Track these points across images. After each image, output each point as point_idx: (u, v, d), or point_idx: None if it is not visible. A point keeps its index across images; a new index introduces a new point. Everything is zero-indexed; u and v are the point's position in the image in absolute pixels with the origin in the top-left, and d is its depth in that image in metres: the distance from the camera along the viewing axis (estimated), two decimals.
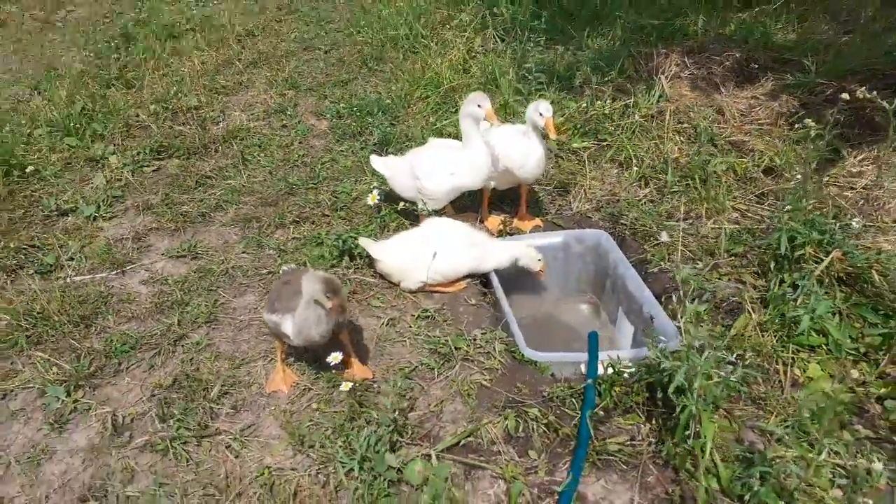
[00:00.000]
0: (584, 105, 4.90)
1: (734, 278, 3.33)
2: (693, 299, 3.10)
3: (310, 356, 3.05)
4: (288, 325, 2.68)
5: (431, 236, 3.40)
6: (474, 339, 3.08)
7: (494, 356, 2.98)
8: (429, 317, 3.29)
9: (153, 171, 4.72)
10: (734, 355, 2.69)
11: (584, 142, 4.55)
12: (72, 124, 5.16)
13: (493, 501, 2.41)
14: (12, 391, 2.99)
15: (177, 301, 3.46)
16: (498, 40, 6.12)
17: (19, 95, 5.83)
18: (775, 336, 2.92)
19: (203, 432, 2.73)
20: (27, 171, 4.65)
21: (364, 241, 3.45)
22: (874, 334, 2.87)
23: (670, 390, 2.33)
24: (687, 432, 2.35)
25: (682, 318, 2.61)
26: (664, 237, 3.63)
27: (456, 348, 3.04)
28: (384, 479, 2.43)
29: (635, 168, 4.21)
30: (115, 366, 3.10)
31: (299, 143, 4.97)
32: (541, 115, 3.48)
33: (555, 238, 3.78)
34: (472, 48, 6.04)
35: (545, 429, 2.64)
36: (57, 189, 4.49)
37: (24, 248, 3.92)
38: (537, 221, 3.94)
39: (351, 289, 3.46)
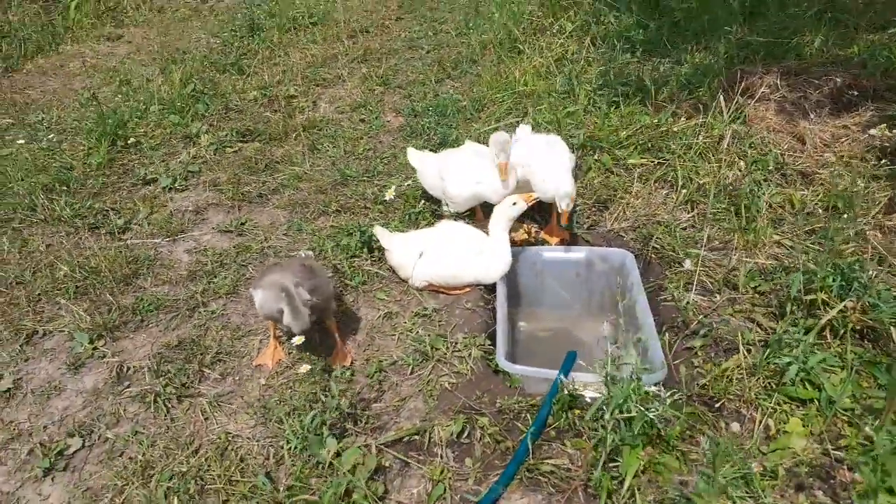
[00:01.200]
0: (657, 121, 4.71)
1: (746, 317, 3.11)
2: (692, 332, 2.97)
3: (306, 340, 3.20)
4: (257, 298, 2.87)
5: (439, 238, 3.45)
6: (455, 343, 3.11)
7: (467, 361, 2.99)
8: (426, 315, 3.34)
9: (233, 151, 5.11)
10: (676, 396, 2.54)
11: (641, 158, 4.38)
12: (179, 104, 5.69)
13: (415, 499, 2.45)
14: (51, 332, 3.40)
15: (208, 271, 3.76)
16: (592, 48, 6.00)
17: (148, 75, 6.49)
18: (763, 383, 2.70)
19: (185, 392, 2.98)
20: (129, 142, 5.20)
21: (378, 230, 3.56)
22: (879, 397, 2.58)
23: (587, 417, 2.24)
24: (605, 464, 2.25)
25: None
26: (687, 264, 3.46)
27: (434, 349, 3.08)
28: (316, 461, 2.54)
29: (683, 190, 4.01)
30: (137, 322, 3.43)
31: (370, 137, 5.17)
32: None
33: (578, 254, 3.69)
34: (563, 55, 5.96)
35: (489, 439, 2.63)
36: (149, 161, 4.99)
37: (106, 210, 4.40)
38: (565, 235, 3.86)
39: (362, 280, 3.58)
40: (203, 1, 9.25)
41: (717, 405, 2.66)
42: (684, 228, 3.78)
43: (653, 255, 3.64)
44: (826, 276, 2.86)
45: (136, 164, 4.98)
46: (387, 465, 2.58)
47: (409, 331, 3.25)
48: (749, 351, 2.84)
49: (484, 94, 5.45)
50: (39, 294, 3.63)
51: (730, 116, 4.47)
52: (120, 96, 6.05)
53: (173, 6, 9.18)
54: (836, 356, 2.75)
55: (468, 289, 3.46)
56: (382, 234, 3.55)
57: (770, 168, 4.09)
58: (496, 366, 2.95)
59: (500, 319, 3.17)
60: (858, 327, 2.81)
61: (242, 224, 4.19)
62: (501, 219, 3.32)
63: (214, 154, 5.04)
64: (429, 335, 3.15)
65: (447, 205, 3.75)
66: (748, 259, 3.45)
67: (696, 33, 6.18)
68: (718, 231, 3.69)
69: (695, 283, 3.30)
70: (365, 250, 3.72)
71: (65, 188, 4.62)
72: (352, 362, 3.08)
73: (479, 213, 3.98)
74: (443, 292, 3.48)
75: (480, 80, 5.81)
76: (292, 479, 2.50)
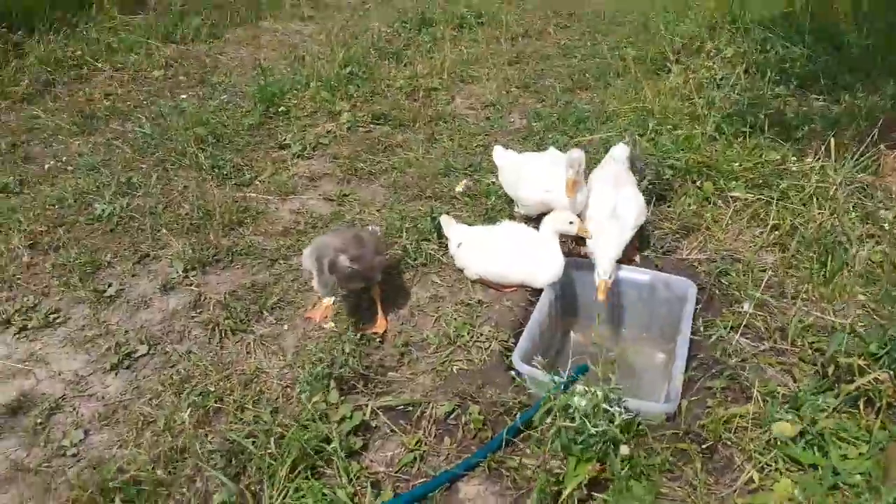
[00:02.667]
0: (780, 157, 4.46)
1: (786, 369, 2.93)
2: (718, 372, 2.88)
3: (361, 305, 3.51)
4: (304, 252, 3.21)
5: (495, 236, 3.58)
6: (480, 334, 3.23)
7: (483, 353, 3.12)
8: (469, 305, 3.50)
9: (364, 131, 5.52)
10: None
11: (746, 192, 4.17)
12: (334, 83, 6.23)
13: (385, 461, 2.64)
14: (159, 257, 3.98)
15: (300, 230, 4.17)
16: (744, 76, 5.72)
17: (319, 54, 7.12)
18: (769, 436, 2.56)
19: (239, 327, 3.38)
20: (280, 110, 5.81)
21: (444, 219, 3.76)
22: None
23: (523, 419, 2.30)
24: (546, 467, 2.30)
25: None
26: (746, 306, 3.31)
27: (458, 335, 3.23)
28: (316, 408, 2.79)
29: (776, 231, 3.79)
30: (227, 262, 3.91)
31: (486, 135, 5.36)
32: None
33: (642, 276, 3.64)
34: (711, 79, 5.76)
35: (473, 426, 2.74)
36: (291, 129, 5.55)
37: (240, 165, 4.99)
38: (634, 256, 3.80)
39: (423, 261, 3.81)
40: None
41: (704, 446, 2.57)
42: (763, 270, 3.58)
43: (717, 291, 3.50)
44: (870, 342, 2.64)
45: (279, 130, 5.56)
46: (375, 426, 2.79)
47: (449, 315, 3.42)
48: (766, 402, 2.70)
49: (612, 108, 5.42)
50: (162, 224, 4.23)
51: (858, 163, 4.14)
52: (289, 69, 6.73)
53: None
54: (864, 429, 2.54)
55: (514, 288, 3.56)
56: (447, 224, 3.74)
57: (886, 224, 3.75)
58: (510, 363, 3.04)
59: (532, 321, 3.25)
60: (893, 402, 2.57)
61: (345, 195, 4.57)
62: (549, 228, 3.38)
63: (347, 131, 5.48)
64: (458, 321, 3.30)
65: (518, 206, 3.85)
66: (817, 313, 3.22)
67: (869, 73, 5.69)
68: (796, 279, 3.47)
69: (742, 325, 3.16)
70: (434, 234, 3.93)
71: (214, 141, 5.29)
72: (384, 331, 3.31)
73: None
74: (493, 287, 3.60)
75: (615, 93, 5.78)
76: (290, 419, 2.78)
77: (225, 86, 6.60)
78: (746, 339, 3.16)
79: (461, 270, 3.69)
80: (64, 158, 5.19)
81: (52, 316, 3.52)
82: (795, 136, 4.80)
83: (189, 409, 2.83)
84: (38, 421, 2.90)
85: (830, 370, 2.76)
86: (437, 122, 5.59)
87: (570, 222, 3.37)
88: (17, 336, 3.42)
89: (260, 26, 8.57)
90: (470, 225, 3.85)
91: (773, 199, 4.05)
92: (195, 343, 3.32)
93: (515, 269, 3.48)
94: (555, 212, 3.45)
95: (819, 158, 4.32)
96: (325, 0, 9.57)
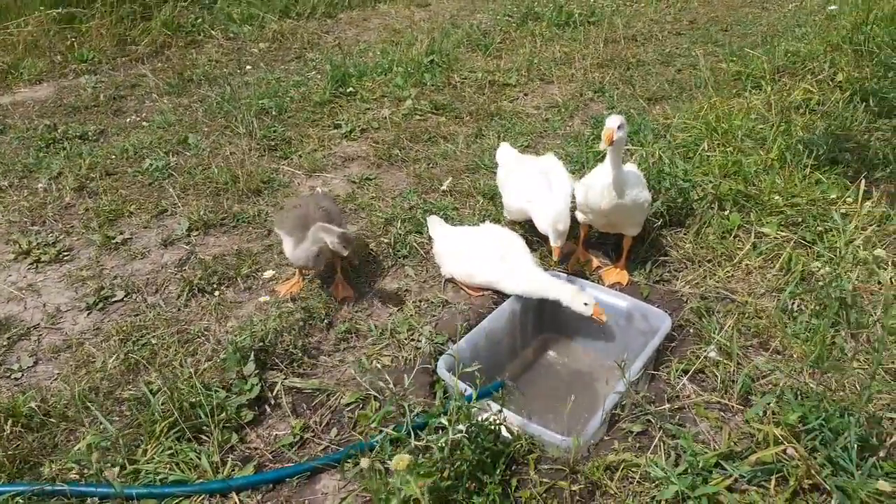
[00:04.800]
0: (837, 196, 3.94)
1: (717, 426, 2.60)
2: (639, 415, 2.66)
3: (325, 285, 3.55)
4: (287, 246, 3.24)
5: (470, 237, 3.47)
6: (420, 333, 3.15)
7: (413, 352, 3.04)
8: (432, 303, 3.42)
9: (419, 119, 5.53)
10: None
11: (778, 231, 3.72)
12: (411, 69, 6.29)
13: (265, 438, 2.66)
14: (174, 215, 4.23)
15: None
16: (840, 103, 5.10)
17: (414, 41, 7.17)
18: (651, 491, 2.30)
19: (208, 289, 3.53)
20: (348, 91, 5.96)
21: (432, 219, 3.69)
22: None
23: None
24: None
25: None
26: (712, 353, 2.98)
27: (395, 331, 3.17)
28: (225, 377, 2.86)
29: (786, 277, 3.35)
30: (230, 227, 4.09)
31: (538, 136, 5.18)
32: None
33: (620, 302, 3.37)
34: (805, 103, 5.19)
35: (363, 422, 2.68)
36: (351, 110, 5.67)
37: (289, 139, 5.18)
38: (621, 279, 3.53)
39: (405, 253, 3.76)
40: None
41: (579, 489, 2.35)
42: (759, 316, 3.19)
43: (692, 331, 3.18)
44: (796, 411, 2.28)
45: (341, 110, 5.70)
46: (276, 403, 2.81)
47: (408, 310, 3.36)
48: (669, 456, 2.42)
49: (673, 122, 5.04)
50: (191, 185, 4.50)
51: None
52: (381, 53, 6.87)
53: None
54: None
55: (481, 292, 3.43)
56: (433, 224, 3.67)
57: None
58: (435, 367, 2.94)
59: (478, 328, 3.12)
60: (807, 485, 2.20)
61: (368, 179, 4.61)
62: (561, 290, 3.19)
63: (402, 118, 5.51)
64: (403, 317, 3.24)
65: (504, 210, 3.71)
66: (785, 374, 2.82)
67: None
68: (783, 333, 3.06)
69: (694, 370, 2.84)
70: (425, 229, 3.87)
71: (276, 114, 5.52)
72: (343, 299, 3.34)
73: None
74: (462, 288, 3.50)
75: (686, 107, 5.36)
76: (198, 381, 2.84)
77: (316, 62, 6.86)
78: (699, 386, 2.84)
79: (440, 268, 3.61)
80: (144, 114, 5.65)
81: (63, 254, 3.86)
82: (872, 176, 4.21)
83: (121, 356, 3.00)
84: (5, 343, 3.19)
85: (760, 436, 2.43)
86: (494, 117, 5.48)
87: (586, 303, 3.14)
88: (29, 267, 3.78)
89: (376, 10, 8.82)
90: (463, 224, 3.76)
91: (805, 241, 3.60)
92: (165, 298, 3.51)
93: (483, 271, 3.35)
94: (571, 291, 3.20)
95: (882, 202, 3.78)
96: None
